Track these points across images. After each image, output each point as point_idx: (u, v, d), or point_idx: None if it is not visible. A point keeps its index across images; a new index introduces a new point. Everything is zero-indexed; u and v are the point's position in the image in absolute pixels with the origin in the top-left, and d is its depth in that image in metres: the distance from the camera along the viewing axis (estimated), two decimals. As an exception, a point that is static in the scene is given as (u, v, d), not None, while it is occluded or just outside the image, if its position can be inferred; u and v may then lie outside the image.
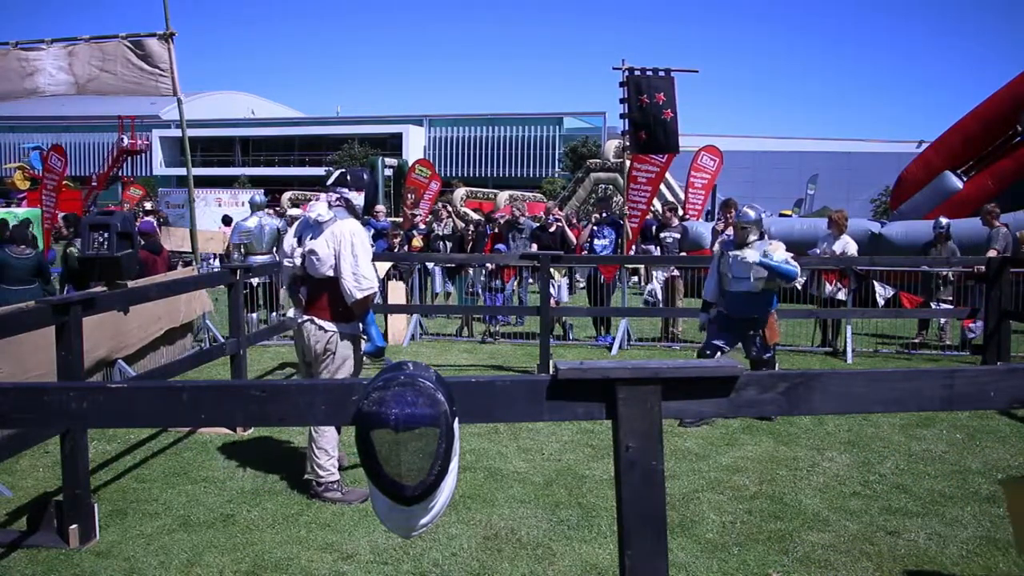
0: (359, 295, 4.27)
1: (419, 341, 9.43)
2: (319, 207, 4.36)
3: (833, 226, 8.99)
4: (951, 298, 9.08)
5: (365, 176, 4.62)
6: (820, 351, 8.91)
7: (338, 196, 4.45)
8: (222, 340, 6.97)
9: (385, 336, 4.84)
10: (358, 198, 4.49)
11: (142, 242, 8.98)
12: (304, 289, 4.43)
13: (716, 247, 6.22)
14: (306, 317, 4.38)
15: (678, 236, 9.92)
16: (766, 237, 6.00)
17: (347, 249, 4.25)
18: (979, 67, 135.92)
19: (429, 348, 9.09)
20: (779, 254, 5.77)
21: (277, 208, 24.46)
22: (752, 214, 5.98)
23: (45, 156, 31.51)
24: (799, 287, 9.55)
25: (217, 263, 15.16)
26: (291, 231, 4.55)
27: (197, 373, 6.67)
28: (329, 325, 4.34)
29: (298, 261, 4.41)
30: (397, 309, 9.25)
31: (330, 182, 4.58)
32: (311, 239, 4.33)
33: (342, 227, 4.30)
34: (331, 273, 4.29)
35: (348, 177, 4.55)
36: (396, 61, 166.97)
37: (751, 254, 5.75)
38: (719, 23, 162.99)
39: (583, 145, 46.40)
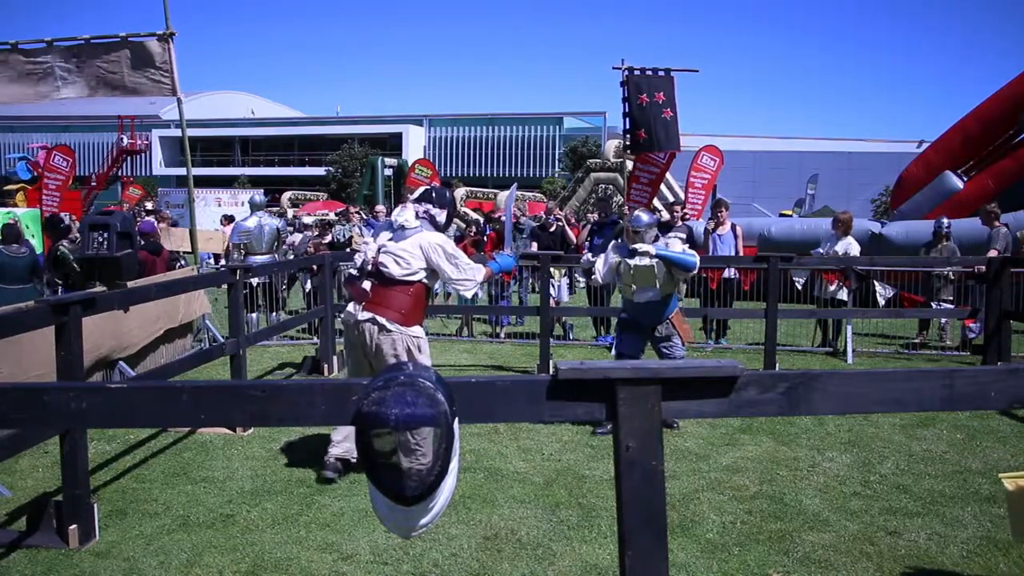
0: (470, 294, 4.57)
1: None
2: (407, 214, 4.57)
3: (839, 227, 8.98)
4: (951, 298, 9.08)
5: (449, 196, 4.82)
6: (820, 351, 8.91)
7: (424, 209, 4.63)
8: (222, 340, 6.97)
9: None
10: (440, 215, 4.67)
11: (142, 242, 8.98)
12: (370, 284, 4.49)
13: (611, 252, 5.99)
14: (368, 314, 4.44)
15: (683, 236, 9.90)
16: (661, 239, 5.85)
17: (444, 260, 4.49)
18: (979, 67, 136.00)
19: (429, 348, 9.07)
20: (676, 247, 5.72)
21: (276, 208, 24.46)
22: (645, 218, 5.83)
23: (33, 163, 31.40)
24: (799, 287, 9.61)
25: (213, 262, 15.18)
26: (384, 233, 4.70)
27: (197, 373, 6.67)
28: (392, 325, 4.42)
29: (371, 255, 4.51)
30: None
31: (415, 197, 4.80)
32: (391, 240, 4.52)
33: (429, 238, 4.51)
34: (409, 277, 4.44)
35: (433, 195, 4.76)
36: (396, 61, 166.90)
37: (648, 248, 5.62)
38: (719, 23, 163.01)
39: (583, 145, 46.37)
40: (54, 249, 9.01)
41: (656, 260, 5.62)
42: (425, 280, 4.55)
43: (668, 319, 5.85)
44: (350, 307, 4.57)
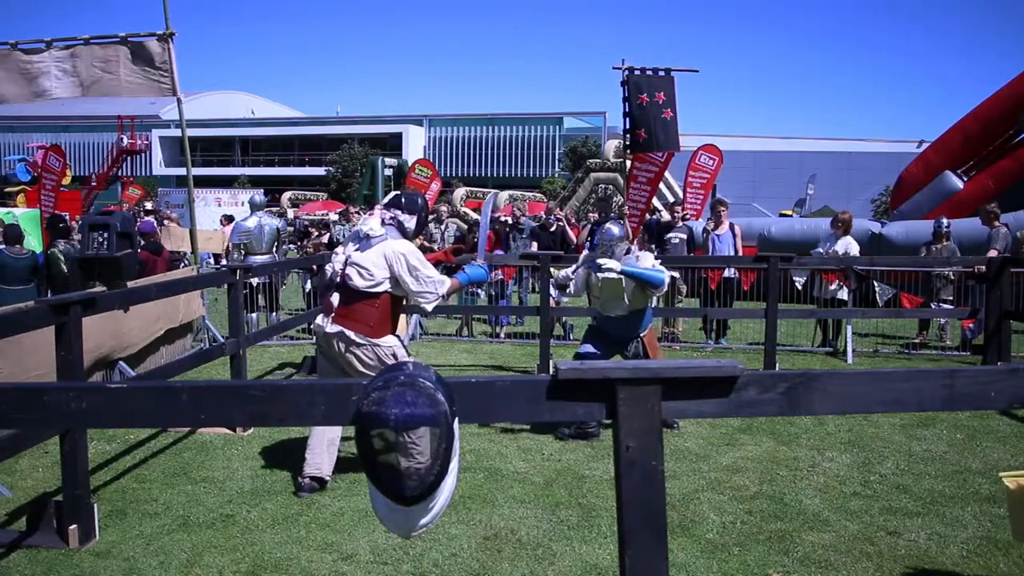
0: (431, 307, 4.42)
1: (419, 341, 9.43)
2: (372, 222, 4.42)
3: (839, 226, 8.97)
4: (951, 298, 9.08)
5: (419, 201, 4.68)
6: (820, 351, 8.91)
7: (391, 216, 4.49)
8: (222, 340, 6.97)
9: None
10: (410, 221, 4.52)
11: (142, 242, 8.98)
12: (336, 296, 4.39)
13: (582, 262, 5.83)
14: (336, 328, 4.33)
15: (684, 236, 9.92)
16: (633, 251, 5.65)
17: (405, 272, 4.31)
18: (979, 67, 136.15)
19: (429, 348, 9.09)
20: (646, 262, 5.47)
21: (276, 208, 24.45)
22: (616, 231, 5.62)
23: (32, 163, 31.42)
24: (799, 287, 9.60)
25: (213, 262, 15.18)
26: (351, 244, 4.58)
27: (197, 373, 6.67)
28: (361, 338, 4.30)
29: (338, 267, 4.41)
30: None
31: (385, 202, 4.65)
32: (357, 251, 4.38)
33: (394, 246, 4.34)
34: (374, 289, 4.31)
35: (403, 200, 4.61)
36: (396, 61, 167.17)
37: (613, 264, 5.37)
38: (719, 23, 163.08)
39: (583, 145, 46.40)
40: (50, 248, 9.02)
41: (623, 275, 5.39)
42: (391, 290, 4.37)
43: (640, 337, 5.64)
44: (319, 319, 4.45)
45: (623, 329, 5.65)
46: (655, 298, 5.76)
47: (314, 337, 4.59)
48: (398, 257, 4.32)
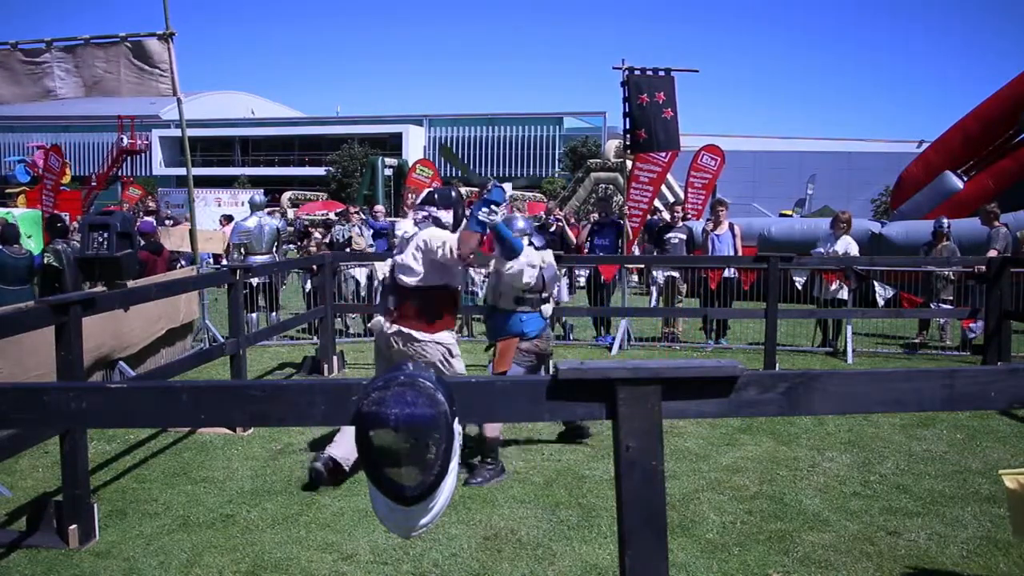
0: (465, 250, 4.22)
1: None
2: (405, 224, 4.60)
3: (840, 227, 8.97)
4: (951, 298, 9.08)
5: (453, 195, 4.68)
6: (820, 351, 8.91)
7: (425, 215, 4.54)
8: (222, 340, 6.97)
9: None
10: (446, 216, 4.54)
11: (142, 242, 8.99)
12: (392, 299, 4.51)
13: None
14: (395, 327, 4.45)
15: (683, 237, 9.92)
16: (534, 246, 5.15)
17: (431, 246, 4.34)
18: (979, 67, 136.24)
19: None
20: (534, 256, 4.95)
21: (277, 208, 24.43)
22: (520, 224, 5.23)
23: (31, 164, 31.38)
24: (799, 287, 9.60)
25: (213, 262, 15.17)
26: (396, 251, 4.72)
27: (197, 373, 6.67)
28: (419, 334, 4.41)
29: (386, 270, 4.57)
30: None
31: (419, 201, 4.68)
32: (398, 253, 4.54)
33: (421, 235, 4.44)
34: (422, 283, 4.40)
35: (435, 196, 4.63)
36: (396, 61, 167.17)
37: (485, 212, 4.56)
38: (719, 23, 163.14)
39: (583, 145, 46.45)
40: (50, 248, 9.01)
41: (510, 272, 4.81)
42: (440, 280, 4.44)
43: (495, 343, 5.05)
44: (377, 319, 4.59)
45: (490, 330, 5.24)
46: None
47: (374, 337, 4.72)
48: (424, 242, 4.39)
